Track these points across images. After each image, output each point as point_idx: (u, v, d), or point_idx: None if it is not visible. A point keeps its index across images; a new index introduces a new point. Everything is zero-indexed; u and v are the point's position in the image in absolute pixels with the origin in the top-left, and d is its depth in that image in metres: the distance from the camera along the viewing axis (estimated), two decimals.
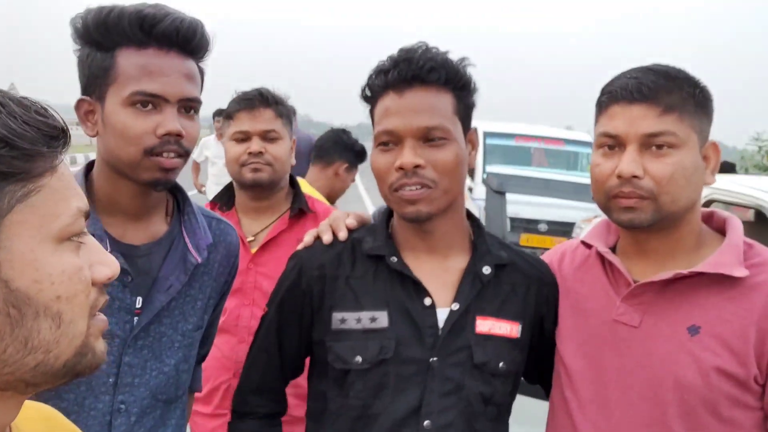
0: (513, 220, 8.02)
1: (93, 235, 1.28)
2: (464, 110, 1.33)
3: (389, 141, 1.29)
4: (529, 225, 8.49)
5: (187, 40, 1.25)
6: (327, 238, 1.39)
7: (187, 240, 1.34)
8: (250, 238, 2.06)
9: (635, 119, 1.23)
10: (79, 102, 1.28)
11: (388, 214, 1.43)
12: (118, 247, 1.27)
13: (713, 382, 1.19)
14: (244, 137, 2.02)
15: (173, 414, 1.36)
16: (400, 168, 1.27)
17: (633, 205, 1.24)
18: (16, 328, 0.59)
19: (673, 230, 1.28)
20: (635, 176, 1.22)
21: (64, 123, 0.64)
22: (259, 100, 2.02)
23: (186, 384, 1.39)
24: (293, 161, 2.16)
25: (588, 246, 1.41)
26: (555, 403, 1.39)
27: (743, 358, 1.18)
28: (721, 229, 1.33)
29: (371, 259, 1.35)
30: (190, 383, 1.59)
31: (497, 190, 4.14)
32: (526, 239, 8.49)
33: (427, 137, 1.27)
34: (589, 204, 8.70)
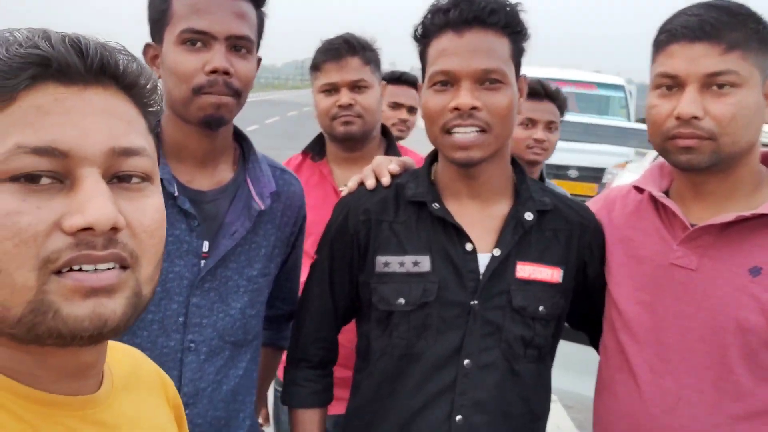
0: None
1: (162, 180, 1.31)
2: (518, 55, 1.33)
3: (445, 81, 1.29)
4: (559, 171, 8.43)
5: None
6: (371, 183, 1.42)
7: (251, 187, 1.37)
8: (342, 188, 2.06)
9: (696, 58, 1.20)
10: (146, 47, 1.33)
11: (431, 159, 1.44)
12: (185, 193, 1.31)
13: None
14: (332, 89, 1.98)
15: (243, 357, 1.40)
16: (456, 109, 1.26)
17: (692, 146, 1.21)
18: None
19: (731, 172, 1.26)
20: (695, 117, 1.20)
21: (54, 51, 0.59)
22: (345, 48, 1.96)
23: (255, 330, 1.43)
24: (384, 108, 2.10)
25: (640, 191, 1.41)
26: (608, 347, 1.40)
27: None
28: None
29: (414, 205, 1.37)
30: (276, 340, 1.65)
31: None
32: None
33: (485, 79, 1.27)
34: (623, 149, 8.59)
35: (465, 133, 1.27)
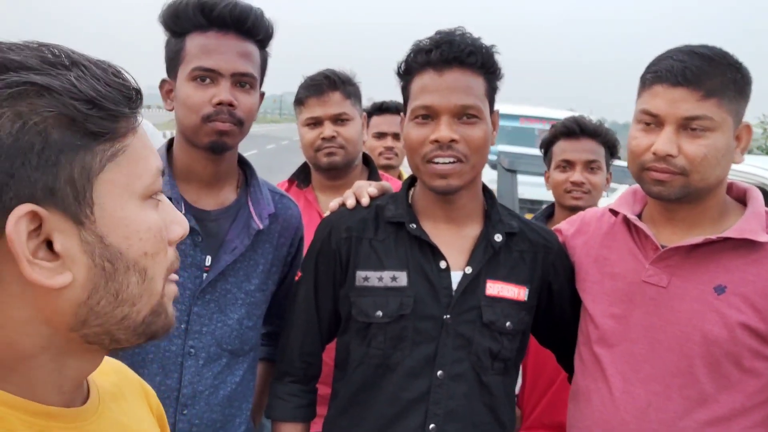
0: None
1: (170, 199, 1.42)
2: (492, 93, 1.44)
3: (426, 115, 1.39)
4: (533, 206, 8.59)
5: (240, 22, 1.40)
6: (350, 203, 1.52)
7: (251, 209, 1.49)
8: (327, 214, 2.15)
9: (676, 101, 1.30)
10: (162, 82, 1.48)
11: (408, 184, 1.54)
12: (191, 211, 1.42)
13: (738, 337, 1.29)
14: (316, 122, 2.10)
15: (240, 366, 1.49)
16: (436, 141, 1.37)
17: (664, 179, 1.32)
18: (109, 281, 0.62)
19: (699, 202, 1.36)
20: (669, 155, 1.30)
21: (137, 84, 0.65)
22: (326, 84, 2.09)
23: (253, 341, 1.52)
24: (365, 137, 2.22)
25: (615, 213, 1.51)
26: (584, 358, 1.49)
27: (765, 314, 1.29)
28: (740, 199, 1.42)
29: (393, 225, 1.47)
30: (273, 355, 1.69)
31: (509, 169, 4.20)
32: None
33: (462, 114, 1.38)
34: None
35: (444, 163, 1.38)
